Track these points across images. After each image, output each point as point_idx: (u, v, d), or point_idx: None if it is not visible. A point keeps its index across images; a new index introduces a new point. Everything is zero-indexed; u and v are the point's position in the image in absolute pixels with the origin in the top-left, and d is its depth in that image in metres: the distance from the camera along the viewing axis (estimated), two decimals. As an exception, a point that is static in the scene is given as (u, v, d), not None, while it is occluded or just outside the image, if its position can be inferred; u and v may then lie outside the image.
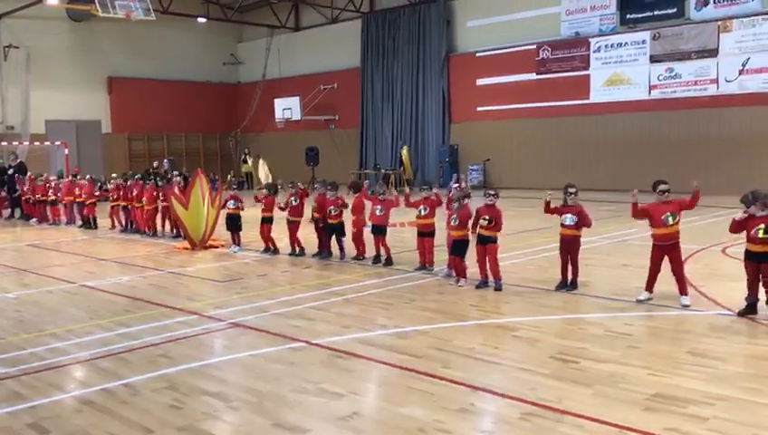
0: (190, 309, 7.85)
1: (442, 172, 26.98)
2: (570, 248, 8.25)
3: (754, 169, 20.31)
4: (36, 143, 27.71)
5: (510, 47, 25.90)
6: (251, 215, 12.99)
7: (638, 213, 7.68)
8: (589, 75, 24.22)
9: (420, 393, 5.00)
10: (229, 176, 30.79)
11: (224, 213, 12.50)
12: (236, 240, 12.32)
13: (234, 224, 12.26)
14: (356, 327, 6.86)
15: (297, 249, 11.44)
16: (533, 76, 25.51)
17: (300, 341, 6.42)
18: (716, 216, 15.33)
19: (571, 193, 8.23)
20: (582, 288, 8.25)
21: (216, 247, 12.64)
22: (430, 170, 28.24)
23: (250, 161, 30.75)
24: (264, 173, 29.36)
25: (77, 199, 16.84)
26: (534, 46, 25.32)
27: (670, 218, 7.42)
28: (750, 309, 6.82)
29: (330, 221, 10.78)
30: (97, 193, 16.98)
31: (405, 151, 27.08)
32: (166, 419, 4.67)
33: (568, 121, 24.59)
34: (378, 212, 10.18)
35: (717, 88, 21.43)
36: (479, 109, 27.13)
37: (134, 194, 14.90)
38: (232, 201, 12.23)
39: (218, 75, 35.29)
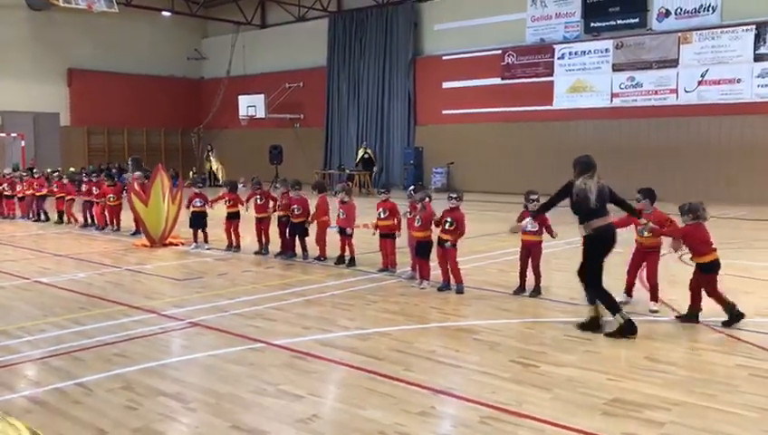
0: (148, 307, 7.70)
1: (406, 174, 27.04)
2: (530, 254, 8.31)
3: (710, 178, 20.80)
4: (-8, 134, 27.03)
5: (476, 51, 26.09)
6: (214, 213, 12.79)
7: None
8: (552, 82, 24.52)
9: (381, 396, 4.97)
10: (191, 172, 30.47)
11: (184, 210, 12.35)
12: (198, 238, 12.12)
13: (198, 222, 12.06)
14: (317, 328, 6.81)
15: (262, 247, 11.34)
16: (498, 81, 25.73)
17: (260, 341, 6.34)
18: (674, 223, 15.62)
19: (532, 200, 8.28)
20: (542, 292, 8.32)
21: (176, 245, 12.43)
22: (395, 172, 28.28)
23: (212, 159, 30.42)
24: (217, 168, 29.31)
25: (38, 193, 16.50)
26: (500, 51, 25.54)
27: (645, 232, 7.50)
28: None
29: (293, 220, 10.70)
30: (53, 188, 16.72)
31: (370, 151, 27.03)
32: (120, 420, 4.56)
33: (531, 127, 24.86)
34: (341, 215, 10.13)
35: (677, 98, 21.90)
36: (444, 112, 27.26)
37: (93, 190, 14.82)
38: (198, 199, 12.04)
39: (182, 70, 34.82)
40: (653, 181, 22.98)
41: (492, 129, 25.74)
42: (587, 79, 23.75)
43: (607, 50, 23.23)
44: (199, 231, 12.12)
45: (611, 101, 23.27)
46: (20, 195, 17.07)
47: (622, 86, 22.99)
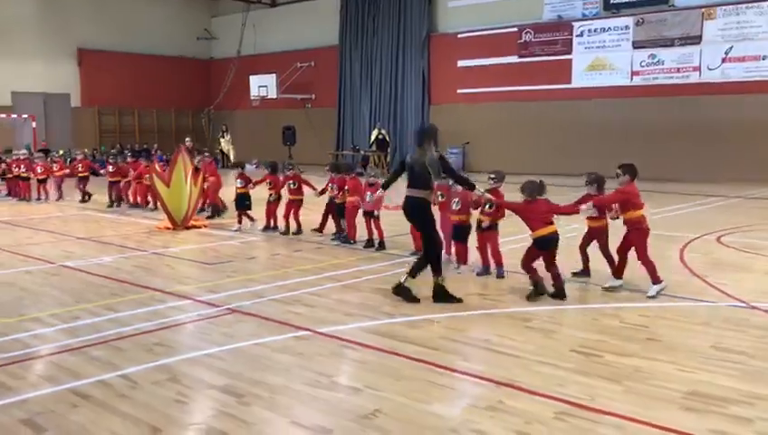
0: (181, 293, 7.45)
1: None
2: (595, 237, 7.97)
3: (733, 158, 20.39)
4: (2, 116, 26.67)
5: (492, 29, 25.62)
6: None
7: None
8: (571, 60, 24.07)
9: (442, 389, 4.72)
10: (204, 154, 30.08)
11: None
12: (242, 219, 11.94)
13: (242, 203, 11.88)
14: (360, 315, 6.54)
15: (296, 228, 11.32)
16: (515, 59, 25.28)
17: (304, 329, 6.08)
18: (699, 204, 15.34)
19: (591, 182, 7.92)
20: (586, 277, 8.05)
21: (199, 227, 12.19)
22: (408, 152, 27.85)
23: (225, 139, 30.08)
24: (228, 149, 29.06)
25: (81, 174, 16.61)
26: (516, 29, 25.07)
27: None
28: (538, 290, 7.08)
29: (337, 202, 10.58)
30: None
31: (384, 131, 26.61)
32: (172, 415, 4.32)
33: (549, 106, 24.43)
34: (369, 198, 9.85)
35: (700, 75, 21.45)
36: (459, 91, 26.84)
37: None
38: (239, 180, 11.88)
39: (191, 50, 34.37)
40: (674, 161, 22.74)
41: (508, 108, 25.33)
42: (606, 57, 23.29)
43: (627, 27, 22.75)
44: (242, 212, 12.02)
45: (631, 79, 22.84)
46: (41, 177, 16.88)
47: (643, 64, 22.54)
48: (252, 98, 30.76)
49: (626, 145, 22.35)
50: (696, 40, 21.36)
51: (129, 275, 8.41)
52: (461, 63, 26.79)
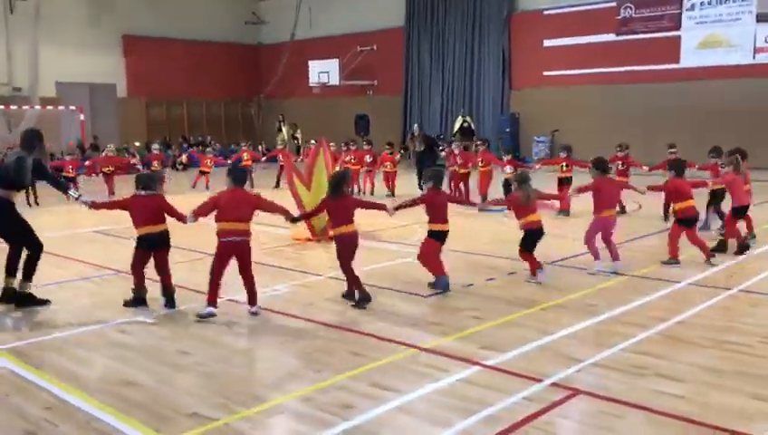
0: (452, 353, 5.15)
1: (501, 144, 24.37)
2: None
3: None
4: (49, 107, 24.47)
5: (585, 4, 23.24)
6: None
7: None
8: (679, 36, 21.68)
9: None
10: (260, 147, 27.95)
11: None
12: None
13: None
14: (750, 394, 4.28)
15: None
16: (612, 37, 22.90)
17: (725, 431, 3.82)
18: None
19: None
20: None
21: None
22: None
23: (284, 130, 27.82)
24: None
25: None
26: (615, 3, 22.68)
27: None
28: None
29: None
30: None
31: (470, 119, 24.30)
32: None
33: (653, 88, 22.04)
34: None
35: (840, 50, 19.08)
36: (546, 73, 24.49)
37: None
38: (509, 166, 12.55)
39: (239, 35, 32.08)
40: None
41: (604, 91, 22.96)
42: (723, 32, 20.89)
43: (749, -3, 20.35)
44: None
45: (754, 56, 20.43)
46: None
47: (768, 39, 20.14)
48: (311, 85, 28.48)
49: (746, 130, 19.93)
50: (836, 10, 18.96)
51: (338, 316, 6.12)
52: (547, 43, 24.44)
